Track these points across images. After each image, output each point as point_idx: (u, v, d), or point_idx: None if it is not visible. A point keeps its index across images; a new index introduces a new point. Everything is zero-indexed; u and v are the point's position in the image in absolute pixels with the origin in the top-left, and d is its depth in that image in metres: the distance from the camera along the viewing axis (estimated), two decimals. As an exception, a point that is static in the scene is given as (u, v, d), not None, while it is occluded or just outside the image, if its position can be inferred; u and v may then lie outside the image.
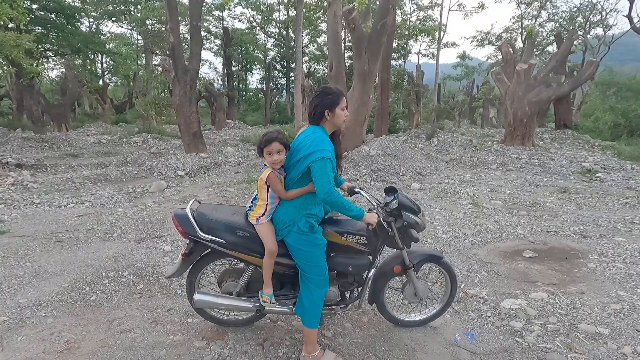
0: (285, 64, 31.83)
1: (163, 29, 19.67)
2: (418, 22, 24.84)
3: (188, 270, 2.35)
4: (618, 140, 14.22)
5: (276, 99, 31.19)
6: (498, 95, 18.10)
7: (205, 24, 27.65)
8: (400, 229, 2.23)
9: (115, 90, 32.77)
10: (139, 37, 25.45)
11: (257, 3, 26.83)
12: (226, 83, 23.88)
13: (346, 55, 22.76)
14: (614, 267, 3.58)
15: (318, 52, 31.28)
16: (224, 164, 9.15)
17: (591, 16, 21.14)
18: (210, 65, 37.07)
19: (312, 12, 26.70)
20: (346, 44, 22.36)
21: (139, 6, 22.04)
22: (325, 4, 9.59)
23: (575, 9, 21.61)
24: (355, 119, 8.57)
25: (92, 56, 23.89)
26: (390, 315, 2.57)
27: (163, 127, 15.86)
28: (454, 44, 23.30)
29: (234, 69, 27.15)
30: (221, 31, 25.41)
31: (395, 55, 27.29)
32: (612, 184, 7.34)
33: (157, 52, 22.61)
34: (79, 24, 20.42)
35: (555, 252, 4.05)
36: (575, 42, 20.55)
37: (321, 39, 30.86)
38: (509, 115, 11.36)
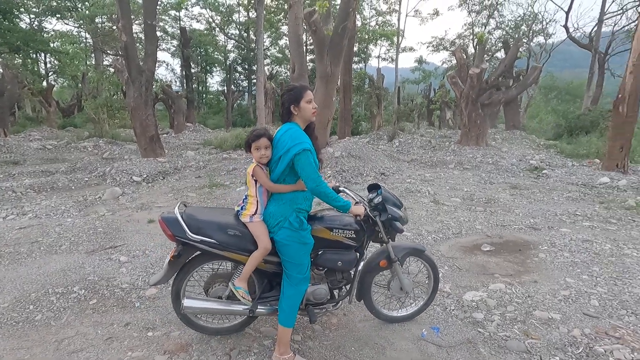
0: (246, 66, 31.35)
1: (114, 27, 18.61)
2: (377, 26, 25.55)
3: (173, 277, 2.24)
4: (560, 139, 15.41)
5: (238, 101, 30.63)
6: (453, 98, 19.02)
7: (161, 23, 26.57)
8: (385, 223, 2.29)
9: (61, 92, 30.50)
10: (88, 36, 23.92)
11: (216, 4, 26.23)
12: (185, 85, 23.07)
13: (308, 57, 22.87)
14: (562, 256, 3.85)
15: (280, 55, 31.14)
16: (184, 169, 8.80)
17: (533, 25, 22.87)
18: (168, 67, 35.64)
19: (273, 15, 26.56)
20: (308, 47, 22.46)
21: (87, 2, 20.70)
22: (286, 7, 9.57)
23: (519, 18, 23.29)
24: (319, 121, 8.60)
25: (34, 55, 22.08)
26: (378, 312, 2.61)
27: (117, 131, 14.98)
28: (411, 49, 24.28)
29: (192, 70, 26.30)
30: (178, 31, 24.53)
31: (356, 59, 27.84)
32: (556, 180, 7.94)
33: (109, 51, 21.35)
34: (17, 20, 18.79)
35: (510, 244, 4.28)
36: (520, 49, 22.12)
37: (283, 42, 30.77)
38: (464, 117, 11.95)
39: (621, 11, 18.88)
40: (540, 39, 23.25)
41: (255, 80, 14.36)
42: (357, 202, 2.35)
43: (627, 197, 6.35)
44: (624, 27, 19.00)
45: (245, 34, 29.47)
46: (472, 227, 4.82)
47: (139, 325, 2.58)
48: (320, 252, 2.23)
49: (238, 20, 29.73)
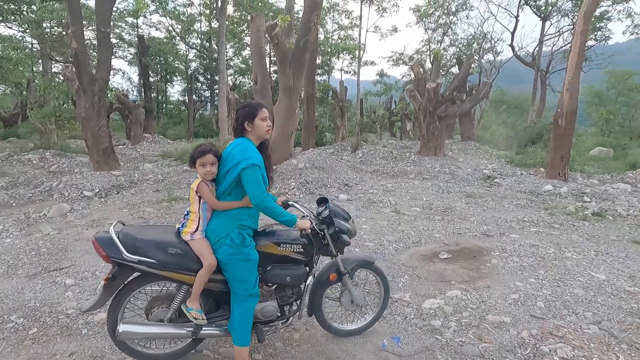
0: (209, 76, 30.78)
1: (64, 33, 17.60)
2: (339, 40, 26.24)
3: (109, 301, 2.10)
4: (510, 149, 16.53)
5: (200, 111, 29.91)
6: (413, 110, 19.82)
7: (117, 30, 25.50)
8: (333, 236, 2.32)
9: (3, 100, 28.18)
10: (34, 41, 22.40)
11: (176, 12, 25.67)
12: (143, 94, 22.18)
13: (272, 69, 22.91)
14: (512, 261, 4.09)
15: (243, 65, 30.92)
16: (141, 182, 8.40)
17: (483, 44, 24.58)
18: (124, 75, 34.02)
19: (235, 25, 26.42)
20: (271, 58, 22.52)
21: (33, 6, 19.42)
22: (249, 17, 9.56)
23: (471, 36, 24.95)
24: (283, 133, 8.61)
25: (-29, 60, 20.25)
26: (330, 326, 2.60)
27: (66, 142, 14.04)
28: (372, 63, 25.14)
29: (151, 79, 25.39)
30: (136, 39, 23.66)
31: (319, 71, 28.29)
32: (507, 188, 8.47)
33: (57, 58, 20.09)
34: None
35: (465, 251, 4.49)
36: (472, 65, 23.62)
37: (246, 52, 30.64)
38: (422, 129, 12.48)
39: (558, 33, 20.82)
40: (490, 56, 24.99)
41: (217, 91, 14.15)
42: (303, 216, 2.36)
43: (567, 203, 6.91)
44: (561, 47, 20.91)
45: (207, 44, 29.01)
46: (431, 236, 5.00)
47: (85, 354, 2.40)
48: (268, 268, 2.21)
49: (200, 30, 29.26)
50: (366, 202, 6.79)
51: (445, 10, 24.65)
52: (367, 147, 14.19)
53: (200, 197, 2.08)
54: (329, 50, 23.72)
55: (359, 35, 18.71)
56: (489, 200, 7.20)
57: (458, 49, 25.12)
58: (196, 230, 2.06)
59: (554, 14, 20.25)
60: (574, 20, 18.27)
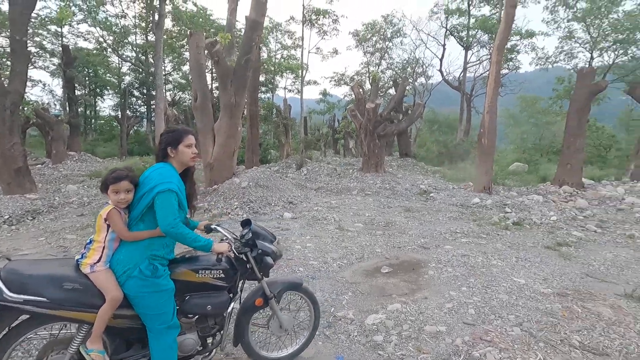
0: (145, 91, 29.17)
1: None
2: (283, 59, 26.66)
3: None
4: (443, 165, 17.87)
5: (135, 128, 28.09)
6: (355, 128, 20.63)
7: (38, 38, 23.19)
8: (256, 258, 2.24)
9: None
10: None
11: (108, 23, 24.15)
12: (68, 108, 20.24)
13: (214, 85, 22.44)
14: (446, 271, 4.36)
15: (183, 81, 29.85)
16: (62, 206, 7.57)
17: (416, 68, 26.66)
18: (45, 88, 30.75)
19: (174, 40, 25.56)
20: (213, 75, 22.07)
21: None
22: (188, 32, 9.33)
23: (405, 61, 26.95)
24: (225, 151, 8.39)
25: None
26: (259, 355, 2.47)
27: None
28: (315, 82, 25.88)
29: (78, 92, 23.34)
30: (60, 49, 21.69)
31: (263, 89, 28.33)
32: (441, 202, 9.09)
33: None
34: None
35: (405, 264, 4.68)
36: (407, 88, 25.40)
37: (186, 67, 29.67)
38: (364, 147, 13.01)
39: (479, 62, 23.34)
40: (422, 79, 27.12)
41: (154, 107, 13.41)
42: (222, 240, 2.26)
43: (492, 214, 7.60)
44: (481, 74, 23.39)
45: (143, 57, 27.60)
46: (373, 251, 5.15)
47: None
48: (187, 298, 2.06)
49: (135, 42, 27.79)
50: (311, 219, 6.82)
51: (382, 36, 26.38)
52: (312, 165, 14.38)
53: (109, 226, 1.90)
54: (273, 68, 23.95)
55: (302, 55, 19.24)
56: (426, 214, 7.65)
57: (394, 72, 26.92)
58: (98, 261, 1.86)
59: (475, 44, 22.75)
60: (490, 51, 20.69)
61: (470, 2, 21.97)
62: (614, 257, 4.97)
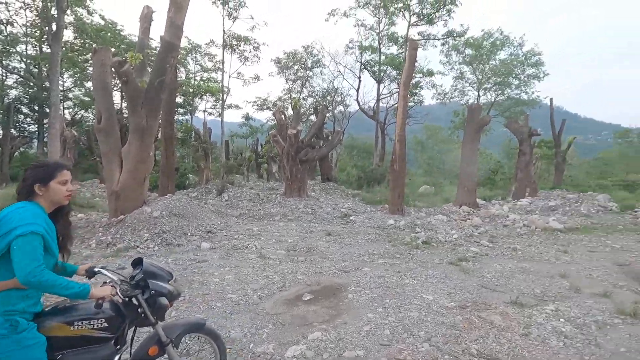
0: (36, 107, 25.49)
1: None
2: (202, 82, 25.90)
3: None
4: (362, 188, 18.87)
5: (21, 149, 24.18)
6: (278, 153, 20.75)
7: None
8: (149, 301, 2.03)
9: None
10: None
11: (-10, 28, 20.81)
12: None
13: (124, 105, 20.64)
14: (364, 294, 4.52)
15: (87, 98, 26.92)
16: None
17: (335, 97, 28.27)
18: None
19: (76, 53, 23.10)
20: (122, 94, 20.35)
21: None
22: (93, 47, 8.49)
23: (325, 90, 28.39)
24: (134, 178, 7.68)
25: None
26: None
27: None
28: (237, 106, 25.55)
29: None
30: None
31: (181, 110, 27.02)
32: (360, 224, 9.52)
33: None
34: None
35: (326, 290, 4.73)
36: (327, 115, 26.65)
37: (90, 84, 26.87)
38: (286, 171, 13.12)
39: (390, 94, 25.72)
40: (341, 108, 28.76)
41: (48, 126, 11.70)
42: (104, 283, 2.02)
43: (405, 235, 8.20)
44: (393, 105, 25.74)
45: (35, 70, 24.26)
46: (295, 279, 5.11)
47: None
48: (59, 357, 1.77)
49: (25, 52, 24.36)
50: (231, 249, 6.54)
51: (303, 65, 27.52)
52: (234, 190, 13.96)
53: None
54: (191, 90, 23.05)
55: (222, 78, 18.97)
56: (346, 237, 7.92)
57: (315, 100, 28.10)
58: None
59: (386, 78, 25.11)
60: (399, 85, 23.10)
61: (380, 42, 24.38)
62: (502, 269, 5.72)
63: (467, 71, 24.56)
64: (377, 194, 15.26)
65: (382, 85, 25.43)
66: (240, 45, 18.73)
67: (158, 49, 8.33)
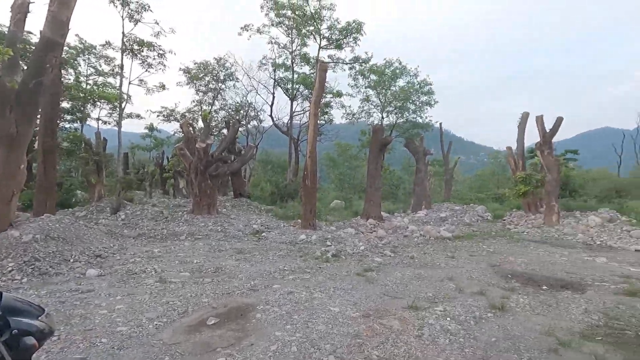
0: None
1: None
2: (96, 86, 23.08)
3: None
4: (275, 204, 18.81)
5: None
6: (185, 167, 19.46)
7: None
8: (9, 342, 1.66)
9: None
10: None
11: None
12: None
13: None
14: (273, 311, 4.43)
15: None
16: None
17: (249, 111, 27.96)
18: None
19: None
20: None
21: None
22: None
23: (238, 103, 27.88)
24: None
25: None
26: None
27: None
28: (139, 116, 23.24)
29: None
30: None
31: (69, 117, 23.56)
32: (272, 241, 9.42)
33: None
34: None
35: (234, 311, 4.51)
36: (240, 130, 26.15)
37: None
38: (194, 187, 12.36)
39: (303, 111, 26.49)
40: (255, 122, 28.55)
41: None
42: None
43: (316, 249, 8.38)
44: (305, 122, 26.52)
45: None
46: (199, 302, 4.76)
47: None
48: None
49: None
50: (125, 274, 5.82)
51: (215, 77, 26.66)
52: (133, 208, 12.60)
53: None
54: (82, 95, 20.31)
55: (121, 84, 17.15)
56: (257, 254, 7.74)
57: (227, 113, 27.36)
58: None
59: (299, 96, 25.86)
60: (306, 109, 24.01)
61: (293, 61, 25.11)
62: (402, 276, 6.22)
63: (372, 95, 26.80)
64: (290, 210, 15.36)
65: (295, 103, 26.09)
66: (142, 51, 17.26)
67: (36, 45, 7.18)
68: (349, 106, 28.29)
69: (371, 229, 11.69)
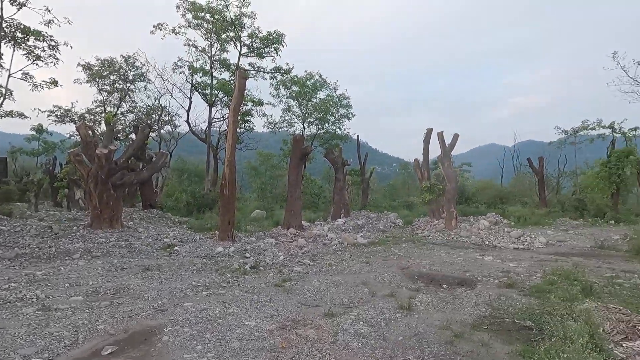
0: None
1: None
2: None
3: None
4: (191, 215, 17.66)
5: None
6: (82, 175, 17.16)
7: None
8: None
9: None
10: None
11: None
12: None
13: None
14: (182, 332, 4.10)
15: None
16: None
17: (162, 115, 25.96)
18: None
19: None
20: None
21: None
22: None
23: (150, 107, 25.68)
24: None
25: None
26: None
27: None
28: (22, 115, 19.53)
29: None
30: None
31: None
32: (185, 255, 8.78)
33: None
34: None
35: (136, 336, 4.05)
36: (152, 135, 24.13)
37: None
38: (94, 198, 10.94)
39: (223, 118, 25.56)
40: (169, 127, 26.63)
41: None
42: None
43: (234, 261, 8.05)
44: (225, 130, 25.63)
45: None
46: (93, 329, 4.17)
47: None
48: None
49: None
50: (-7, 305, 4.82)
51: (122, 77, 24.22)
52: (11, 223, 10.63)
53: None
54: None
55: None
56: (167, 270, 7.13)
57: (137, 117, 25.02)
58: None
59: (218, 103, 24.91)
60: (226, 116, 23.34)
61: (212, 66, 24.17)
62: (320, 284, 6.33)
63: (294, 105, 27.20)
64: (208, 221, 14.56)
65: (214, 109, 25.07)
66: (27, 40, 14.79)
67: None
68: (271, 115, 28.18)
69: (292, 239, 11.71)
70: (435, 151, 17.29)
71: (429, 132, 17.74)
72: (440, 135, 15.38)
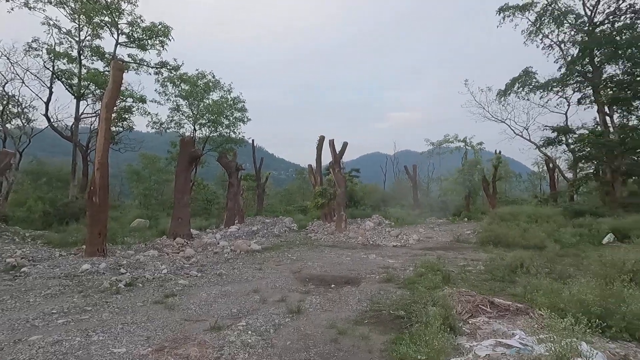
0: None
1: None
2: None
3: None
4: (50, 228, 14.70)
5: None
6: None
7: None
8: None
9: None
10: None
11: None
12: None
13: None
14: (24, 375, 3.31)
15: None
16: None
17: (9, 106, 21.04)
18: None
19: None
20: None
21: None
22: None
23: (-9, 95, 20.51)
24: None
25: None
26: None
27: None
28: None
29: None
30: None
31: None
32: (37, 276, 7.21)
33: None
34: None
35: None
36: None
37: None
38: None
39: (95, 114, 22.09)
40: (19, 122, 21.78)
41: None
42: None
43: (104, 279, 6.95)
44: (97, 128, 22.23)
45: None
46: None
47: None
48: None
49: None
50: None
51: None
52: None
53: None
54: None
55: None
56: (7, 298, 5.73)
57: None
58: None
59: (89, 95, 21.42)
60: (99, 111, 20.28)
61: (81, 52, 20.70)
62: (207, 296, 5.93)
63: (184, 105, 25.27)
64: (72, 234, 12.30)
65: (84, 103, 21.52)
66: None
67: None
68: (156, 114, 25.58)
69: (178, 249, 10.77)
70: (329, 158, 18.26)
71: (321, 139, 18.63)
72: (331, 143, 16.30)
